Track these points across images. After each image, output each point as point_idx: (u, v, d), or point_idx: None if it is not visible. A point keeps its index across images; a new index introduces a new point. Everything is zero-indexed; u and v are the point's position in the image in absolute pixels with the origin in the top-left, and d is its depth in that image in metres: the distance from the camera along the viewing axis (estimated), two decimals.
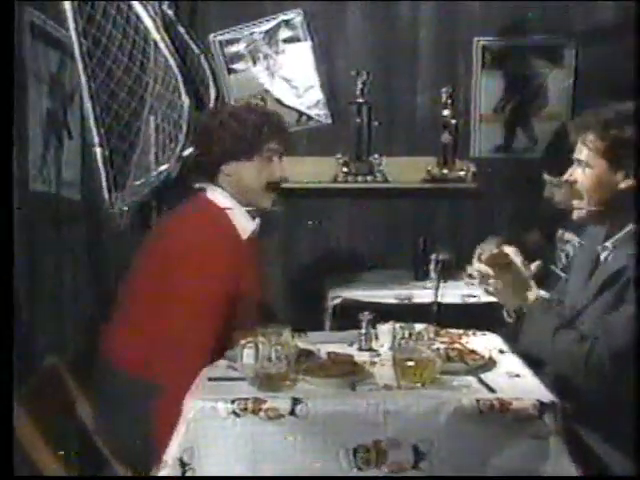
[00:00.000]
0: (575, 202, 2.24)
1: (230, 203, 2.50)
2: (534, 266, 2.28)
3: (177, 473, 1.88)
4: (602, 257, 2.25)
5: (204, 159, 2.55)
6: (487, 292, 2.30)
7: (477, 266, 2.28)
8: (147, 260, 2.46)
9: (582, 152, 2.20)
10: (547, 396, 1.90)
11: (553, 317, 2.18)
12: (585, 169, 2.20)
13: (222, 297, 2.34)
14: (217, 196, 2.50)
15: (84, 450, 2.42)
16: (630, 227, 2.17)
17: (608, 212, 2.21)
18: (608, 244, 2.23)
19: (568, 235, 3.20)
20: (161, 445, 1.96)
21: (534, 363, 2.21)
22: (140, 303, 2.40)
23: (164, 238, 2.45)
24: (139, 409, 2.25)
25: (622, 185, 2.16)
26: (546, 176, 3.20)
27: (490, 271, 2.23)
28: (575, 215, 2.27)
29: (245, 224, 2.51)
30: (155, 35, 3.13)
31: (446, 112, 3.86)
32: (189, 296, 2.30)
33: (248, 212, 2.53)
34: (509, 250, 2.27)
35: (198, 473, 1.87)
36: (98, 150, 2.95)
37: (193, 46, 3.55)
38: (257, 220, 2.55)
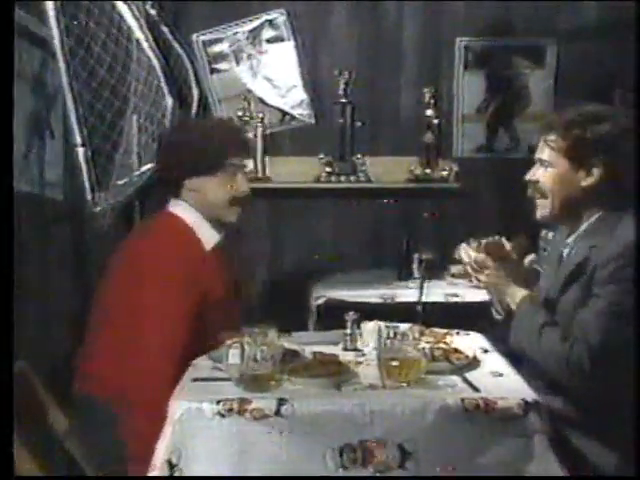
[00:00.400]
0: (538, 201, 2.29)
1: (194, 217, 2.50)
2: (528, 260, 2.31)
3: (165, 475, 1.87)
4: (565, 254, 2.29)
5: (167, 174, 2.55)
6: (479, 285, 2.33)
7: (474, 256, 2.31)
8: (113, 280, 2.46)
9: (544, 152, 2.25)
10: (531, 395, 1.92)
11: (540, 314, 2.21)
12: (547, 168, 2.25)
13: (188, 308, 2.34)
14: (180, 210, 2.50)
15: (55, 452, 2.40)
16: (589, 222, 2.22)
17: (570, 210, 2.25)
18: (569, 240, 2.29)
19: (551, 234, 3.23)
20: (134, 457, 1.99)
21: (517, 361, 2.23)
22: (109, 323, 2.40)
23: (128, 257, 2.46)
24: (112, 429, 2.28)
25: (583, 183, 2.20)
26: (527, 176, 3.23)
27: (489, 261, 2.26)
28: (538, 214, 2.31)
29: (209, 235, 2.51)
30: (138, 35, 3.12)
31: (429, 112, 3.86)
32: (155, 311, 2.31)
33: (213, 224, 2.52)
34: (506, 243, 2.32)
35: (185, 474, 1.87)
36: (81, 150, 2.94)
37: (176, 46, 3.54)
38: (222, 233, 2.55)
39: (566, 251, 2.29)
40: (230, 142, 2.55)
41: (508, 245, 2.33)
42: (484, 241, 2.32)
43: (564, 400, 2.11)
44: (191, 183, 2.49)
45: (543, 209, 2.28)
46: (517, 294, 2.26)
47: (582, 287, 2.14)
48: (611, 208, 2.20)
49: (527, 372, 2.14)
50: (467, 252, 2.35)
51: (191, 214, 2.50)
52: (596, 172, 2.18)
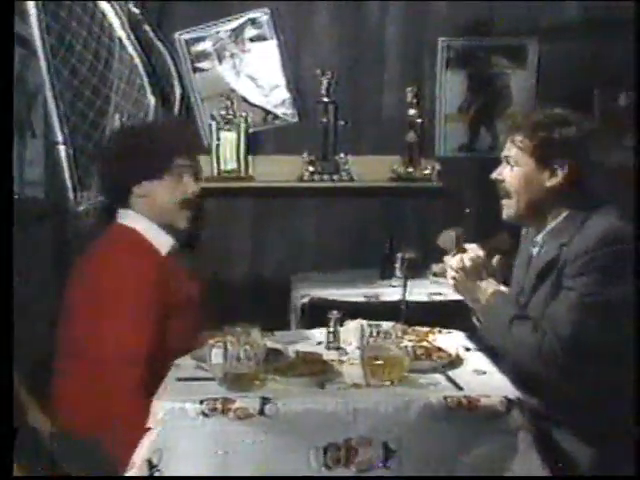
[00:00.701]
0: (504, 201, 2.33)
1: (145, 224, 2.43)
2: (495, 260, 2.35)
3: (143, 474, 1.86)
4: (534, 253, 2.34)
5: (113, 182, 2.48)
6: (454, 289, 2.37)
7: (450, 262, 2.34)
8: (71, 301, 2.39)
9: (511, 150, 2.30)
10: (514, 392, 1.93)
11: (510, 307, 2.25)
12: (513, 167, 2.29)
13: (148, 314, 2.28)
14: (131, 220, 2.44)
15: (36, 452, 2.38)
16: (557, 221, 2.26)
17: (535, 210, 2.30)
18: (537, 239, 2.33)
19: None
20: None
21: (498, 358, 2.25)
22: (76, 357, 2.32)
23: (83, 275, 2.39)
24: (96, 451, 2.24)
25: (548, 184, 2.25)
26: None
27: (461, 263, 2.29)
28: (504, 214, 2.35)
29: (163, 240, 2.44)
30: (120, 33, 3.11)
31: (412, 111, 3.88)
32: (118, 340, 2.23)
33: (167, 229, 2.46)
34: (470, 246, 2.35)
35: (165, 475, 1.86)
36: (62, 148, 2.91)
37: (159, 44, 3.53)
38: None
39: (535, 250, 2.34)
40: (176, 142, 2.49)
41: (473, 247, 2.35)
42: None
43: (539, 398, 2.13)
44: (139, 189, 2.42)
45: (508, 209, 2.33)
46: (487, 290, 2.29)
47: (552, 284, 2.19)
48: (578, 207, 2.24)
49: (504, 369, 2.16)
50: (447, 260, 2.38)
51: (142, 222, 2.43)
52: (560, 173, 2.24)
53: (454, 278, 2.34)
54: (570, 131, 2.24)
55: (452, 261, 2.35)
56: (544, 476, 1.88)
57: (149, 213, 2.43)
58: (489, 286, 2.29)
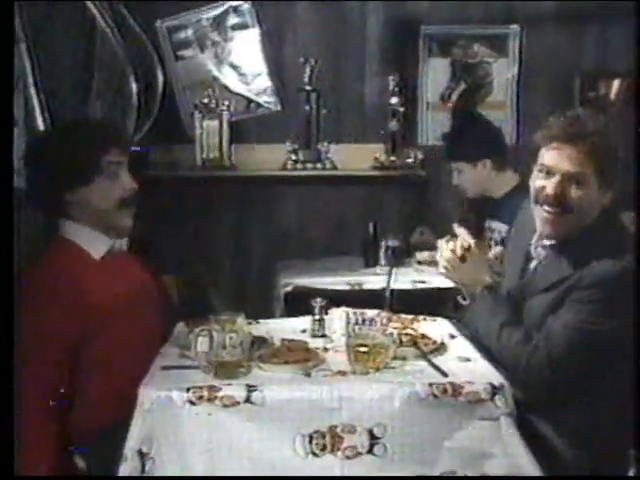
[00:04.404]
0: (553, 216, 2.15)
1: (79, 231, 2.32)
2: (493, 253, 2.36)
3: (137, 465, 1.88)
4: (534, 262, 2.28)
5: (42, 192, 2.33)
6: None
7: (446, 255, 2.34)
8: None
9: (570, 164, 2.10)
10: (498, 379, 1.94)
11: (501, 311, 2.24)
12: (576, 186, 2.11)
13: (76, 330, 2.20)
14: (66, 231, 2.33)
15: None
16: (571, 233, 2.16)
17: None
18: (539, 243, 2.25)
19: (494, 224, 3.29)
20: None
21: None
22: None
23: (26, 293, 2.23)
24: None
25: (604, 201, 2.13)
26: (453, 164, 3.28)
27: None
28: (554, 231, 2.18)
29: (98, 243, 2.33)
30: (101, 21, 3.10)
31: (394, 100, 3.89)
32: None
33: (105, 231, 2.35)
34: (460, 231, 2.35)
35: (158, 462, 1.88)
36: None
37: (140, 32, 3.51)
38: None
39: (534, 263, 2.27)
40: (100, 140, 2.32)
41: (468, 237, 2.36)
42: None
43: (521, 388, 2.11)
44: (71, 196, 2.29)
45: (562, 225, 2.15)
46: (479, 281, 2.30)
47: (556, 297, 2.14)
48: (598, 222, 2.15)
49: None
50: (441, 249, 2.38)
51: (77, 230, 2.32)
52: (615, 185, 2.12)
53: (447, 261, 2.34)
54: (613, 137, 2.11)
55: (444, 246, 2.35)
56: (544, 476, 1.89)
57: (85, 219, 2.32)
58: (480, 277, 2.30)
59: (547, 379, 2.10)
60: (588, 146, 2.07)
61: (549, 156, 2.13)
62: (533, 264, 2.28)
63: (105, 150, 2.31)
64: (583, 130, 2.09)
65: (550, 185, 2.12)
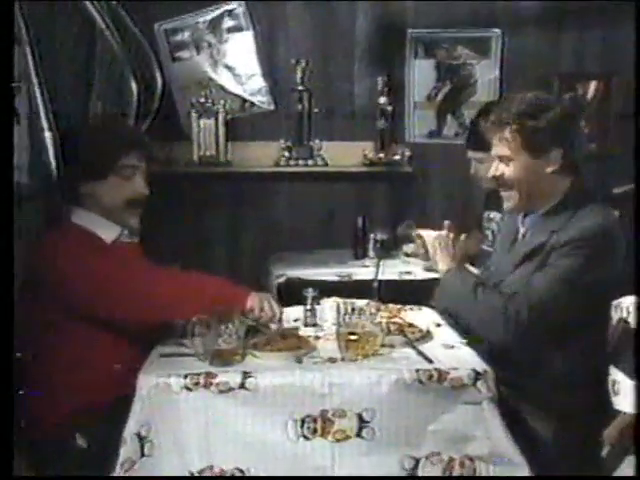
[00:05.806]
0: (504, 194, 2.36)
1: (91, 218, 2.42)
2: (462, 237, 2.47)
3: (136, 448, 1.93)
4: (521, 230, 2.39)
5: (64, 178, 2.44)
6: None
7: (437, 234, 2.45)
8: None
9: (502, 149, 2.31)
10: (480, 365, 2.01)
11: (471, 276, 2.35)
12: (509, 163, 2.30)
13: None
14: (77, 217, 2.43)
15: None
16: (550, 205, 2.31)
17: (537, 197, 2.33)
18: (526, 221, 2.38)
19: (492, 214, 3.34)
20: None
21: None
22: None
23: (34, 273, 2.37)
24: None
25: (548, 170, 2.28)
26: (470, 153, 3.31)
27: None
28: (506, 205, 2.38)
29: (108, 229, 2.43)
30: (100, 22, 3.14)
31: (382, 99, 3.97)
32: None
33: (116, 221, 2.45)
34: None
35: (156, 445, 1.93)
36: (47, 135, 2.95)
37: (138, 34, 3.55)
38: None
39: (523, 229, 2.39)
40: (122, 142, 2.45)
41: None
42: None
43: (502, 367, 2.18)
44: (85, 188, 2.40)
45: (510, 201, 2.35)
46: (443, 266, 2.40)
47: (535, 266, 2.25)
48: (572, 193, 2.29)
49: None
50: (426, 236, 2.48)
51: (88, 217, 2.42)
52: (555, 157, 2.26)
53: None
54: (555, 114, 2.26)
55: (430, 238, 2.46)
56: (544, 476, 1.98)
57: (96, 210, 2.42)
58: (446, 262, 2.40)
59: (525, 324, 2.17)
60: (511, 129, 2.26)
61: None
62: (519, 237, 2.40)
63: (125, 152, 2.42)
64: (507, 116, 2.27)
65: (491, 170, 2.36)
